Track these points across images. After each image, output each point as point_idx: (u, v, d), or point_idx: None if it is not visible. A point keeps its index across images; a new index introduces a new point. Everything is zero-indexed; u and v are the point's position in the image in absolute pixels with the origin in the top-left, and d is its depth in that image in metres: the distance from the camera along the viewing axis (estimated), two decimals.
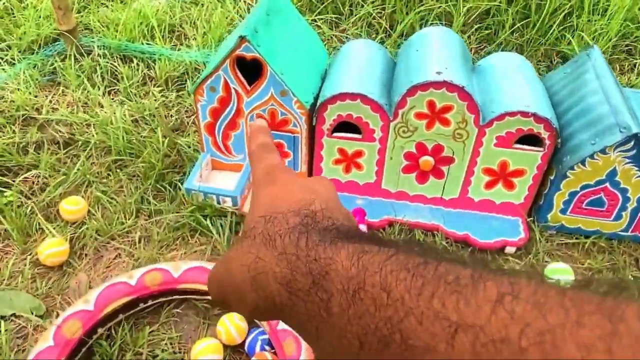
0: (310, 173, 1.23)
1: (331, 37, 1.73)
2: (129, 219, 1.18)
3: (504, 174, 1.12)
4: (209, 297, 1.00)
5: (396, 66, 1.18)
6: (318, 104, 1.08)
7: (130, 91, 1.49)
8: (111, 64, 1.55)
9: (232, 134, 1.20)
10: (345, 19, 1.78)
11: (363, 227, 1.13)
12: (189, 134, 1.38)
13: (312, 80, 1.16)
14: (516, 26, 1.66)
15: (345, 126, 1.11)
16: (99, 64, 1.54)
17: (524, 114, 1.02)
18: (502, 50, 1.66)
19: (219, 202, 1.17)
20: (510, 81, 1.10)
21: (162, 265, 1.01)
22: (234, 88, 1.11)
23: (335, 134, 1.13)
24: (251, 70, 1.09)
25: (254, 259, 0.26)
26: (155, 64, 1.56)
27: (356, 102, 1.06)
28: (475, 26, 1.71)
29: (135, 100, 1.47)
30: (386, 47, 1.62)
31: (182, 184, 1.23)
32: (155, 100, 1.47)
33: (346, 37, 1.72)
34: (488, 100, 1.06)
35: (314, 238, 0.25)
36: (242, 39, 1.02)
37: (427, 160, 1.12)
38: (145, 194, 1.23)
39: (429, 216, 1.17)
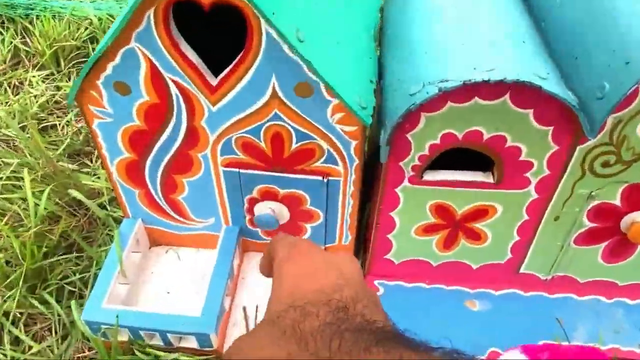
0: (358, 249, 0.59)
1: None
2: None
3: None
4: None
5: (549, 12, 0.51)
6: (395, 110, 0.42)
7: None
8: None
9: (183, 182, 0.53)
10: None
11: None
12: (98, 166, 0.70)
13: (365, 55, 0.49)
14: None
15: (450, 156, 0.46)
16: None
17: None
18: None
19: (167, 342, 0.51)
20: None
21: None
22: (173, 81, 0.43)
23: (427, 176, 0.47)
24: (215, 35, 0.41)
25: (285, 357, 0.23)
26: (34, 26, 0.85)
27: (500, 102, 0.40)
28: None
29: None
30: None
31: (84, 288, 0.57)
32: (34, 97, 0.77)
33: None
34: None
35: (347, 341, 0.23)
36: None
37: None
38: (8, 319, 0.56)
39: (638, 334, 0.54)
